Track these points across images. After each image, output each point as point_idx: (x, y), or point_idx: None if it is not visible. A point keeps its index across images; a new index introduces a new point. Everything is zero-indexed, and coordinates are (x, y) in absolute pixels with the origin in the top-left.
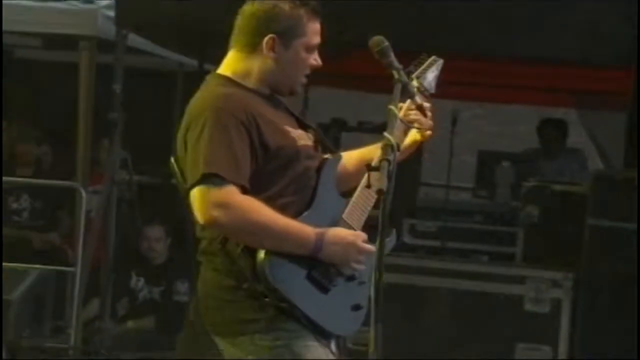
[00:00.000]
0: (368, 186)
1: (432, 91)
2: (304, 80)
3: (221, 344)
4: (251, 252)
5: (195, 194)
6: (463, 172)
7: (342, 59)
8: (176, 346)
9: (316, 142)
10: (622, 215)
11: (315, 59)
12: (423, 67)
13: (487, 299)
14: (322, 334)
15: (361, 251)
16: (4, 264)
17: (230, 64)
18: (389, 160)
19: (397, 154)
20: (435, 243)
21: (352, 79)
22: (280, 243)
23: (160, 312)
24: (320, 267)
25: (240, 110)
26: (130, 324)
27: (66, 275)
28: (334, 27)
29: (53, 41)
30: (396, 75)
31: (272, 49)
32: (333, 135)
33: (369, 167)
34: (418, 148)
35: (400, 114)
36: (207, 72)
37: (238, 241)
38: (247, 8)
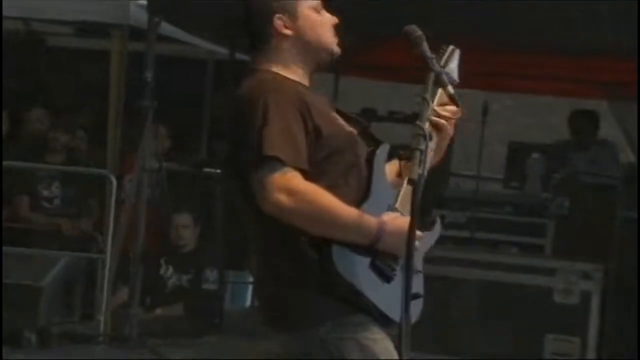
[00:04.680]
0: (399, 175)
1: (457, 80)
2: (333, 39)
3: (282, 337)
4: (316, 241)
5: (258, 178)
6: (493, 163)
7: (373, 49)
8: None
9: (361, 132)
10: None
11: (332, 18)
12: (445, 57)
13: (517, 291)
14: (386, 322)
15: (416, 239)
16: (35, 250)
17: (263, 59)
18: (421, 150)
19: (431, 144)
20: (465, 234)
21: (383, 69)
22: (343, 232)
23: (189, 299)
24: (381, 255)
25: (295, 96)
26: (159, 311)
27: (96, 262)
28: (366, 18)
29: (85, 29)
30: (429, 65)
31: (285, 27)
32: None
33: (400, 157)
34: (449, 143)
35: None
36: (238, 61)
37: (300, 227)
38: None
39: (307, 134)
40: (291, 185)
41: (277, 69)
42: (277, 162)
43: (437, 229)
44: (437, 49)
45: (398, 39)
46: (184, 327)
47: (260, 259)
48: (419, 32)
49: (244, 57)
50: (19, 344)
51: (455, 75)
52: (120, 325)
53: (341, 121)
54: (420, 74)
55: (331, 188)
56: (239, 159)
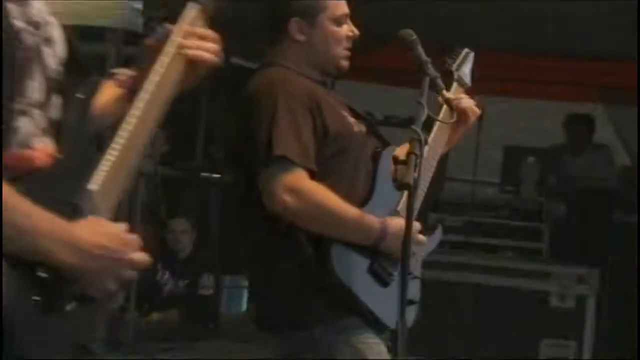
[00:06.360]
0: (395, 180)
1: (469, 84)
2: (344, 53)
3: (275, 339)
4: (316, 242)
5: (266, 177)
6: (489, 167)
7: (369, 53)
8: None
9: (369, 131)
10: None
11: (351, 30)
12: (459, 60)
13: (513, 295)
14: (380, 328)
15: (416, 243)
16: None
17: (275, 56)
18: (416, 155)
19: (426, 148)
20: (461, 238)
21: (379, 73)
22: (346, 232)
23: (185, 304)
24: (381, 260)
25: (305, 95)
26: (154, 316)
27: None
28: (362, 21)
29: (80, 33)
30: (424, 69)
31: (299, 31)
32: None
33: (395, 161)
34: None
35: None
36: (233, 65)
37: (305, 227)
38: None
39: (316, 132)
40: (298, 185)
41: (289, 65)
42: (285, 162)
43: (438, 234)
44: (452, 51)
45: (395, 43)
46: (180, 332)
47: (257, 257)
48: (415, 36)
49: (240, 61)
50: None
51: (467, 79)
52: (115, 331)
53: (351, 120)
54: (416, 77)
55: (337, 187)
56: (245, 156)
